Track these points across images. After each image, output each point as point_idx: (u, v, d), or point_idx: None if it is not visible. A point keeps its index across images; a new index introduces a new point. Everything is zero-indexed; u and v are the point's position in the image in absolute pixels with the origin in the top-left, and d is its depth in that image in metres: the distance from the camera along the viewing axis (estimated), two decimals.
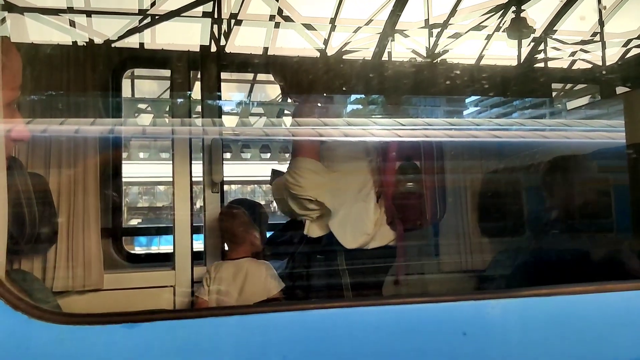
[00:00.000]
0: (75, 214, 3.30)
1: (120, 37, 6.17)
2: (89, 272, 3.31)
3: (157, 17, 6.71)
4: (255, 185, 17.06)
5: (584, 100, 6.88)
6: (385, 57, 7.52)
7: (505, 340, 1.43)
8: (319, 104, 3.97)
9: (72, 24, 6.41)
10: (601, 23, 7.24)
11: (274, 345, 1.30)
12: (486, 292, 1.92)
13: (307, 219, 3.15)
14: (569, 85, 7.57)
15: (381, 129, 4.61)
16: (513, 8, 6.43)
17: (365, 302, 1.44)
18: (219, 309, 2.24)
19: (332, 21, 7.65)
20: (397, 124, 4.63)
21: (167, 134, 4.12)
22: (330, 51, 7.81)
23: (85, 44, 4.48)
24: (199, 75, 3.90)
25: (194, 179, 3.60)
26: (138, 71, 9.80)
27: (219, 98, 3.70)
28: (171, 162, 3.51)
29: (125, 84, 10.19)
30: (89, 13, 6.31)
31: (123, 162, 4.15)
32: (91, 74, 3.52)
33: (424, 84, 5.12)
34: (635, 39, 7.43)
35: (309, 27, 7.66)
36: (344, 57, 7.68)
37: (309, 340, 1.31)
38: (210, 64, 3.62)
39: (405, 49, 7.59)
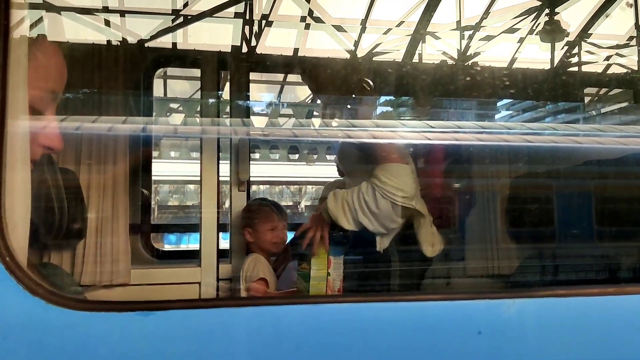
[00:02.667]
0: (105, 210, 3.37)
1: (153, 37, 6.28)
2: (116, 267, 3.38)
3: (189, 17, 6.81)
4: (284, 186, 17.16)
5: (618, 105, 6.75)
6: (416, 59, 7.50)
7: (520, 341, 1.43)
8: (349, 106, 3.98)
9: (107, 23, 6.54)
10: (638, 27, 7.09)
11: (287, 337, 1.31)
12: (502, 291, 1.90)
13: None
14: (603, 90, 7.44)
15: (411, 131, 4.60)
16: (546, 11, 6.35)
17: (379, 297, 1.44)
18: (232, 299, 2.25)
19: (363, 22, 7.64)
20: (427, 127, 4.61)
21: (195, 133, 4.17)
22: (361, 53, 7.81)
23: (117, 44, 4.56)
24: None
25: (221, 178, 3.65)
26: (171, 71, 9.93)
27: (248, 98, 3.74)
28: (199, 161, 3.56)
29: (158, 83, 10.37)
30: (122, 13, 6.42)
31: (154, 160, 4.22)
32: (122, 73, 3.59)
33: (455, 86, 5.09)
34: None
35: (339, 28, 7.68)
36: (374, 58, 7.66)
37: (322, 333, 1.32)
38: (239, 65, 3.67)
39: (436, 51, 7.55)
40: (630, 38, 7.36)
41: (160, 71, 9.05)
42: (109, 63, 3.58)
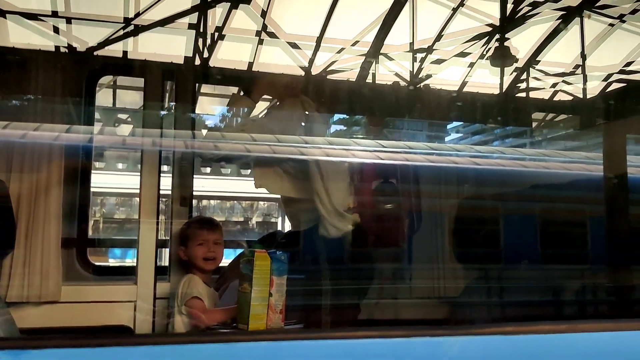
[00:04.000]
0: (35, 222, 3.20)
1: (101, 45, 6.11)
2: (45, 282, 3.19)
3: (140, 26, 6.67)
4: (235, 202, 16.94)
5: (564, 131, 6.92)
6: (369, 79, 7.53)
7: None
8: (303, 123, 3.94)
9: (56, 30, 6.35)
10: (583, 56, 7.31)
11: None
12: (443, 328, 1.64)
13: None
14: (549, 116, 7.63)
15: (363, 150, 4.59)
16: (497, 36, 6.47)
17: (304, 335, 1.31)
18: (125, 337, 2.01)
19: (318, 40, 7.63)
20: (379, 146, 4.61)
21: (137, 145, 4.04)
22: (315, 70, 7.80)
23: (60, 50, 4.40)
24: None
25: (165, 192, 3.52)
26: (121, 81, 9.69)
27: (193, 110, 3.63)
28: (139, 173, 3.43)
29: (107, 93, 10.09)
30: (69, 19, 6.24)
31: (97, 171, 4.06)
32: (62, 80, 3.44)
33: (407, 107, 5.11)
34: (616, 73, 7.52)
35: (293, 45, 7.65)
36: (328, 77, 7.66)
37: None
38: (184, 76, 3.56)
39: (388, 72, 7.60)
40: (577, 66, 7.58)
41: (109, 80, 8.85)
42: (48, 69, 3.43)
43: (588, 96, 7.33)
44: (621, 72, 7.61)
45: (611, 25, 7.34)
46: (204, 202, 15.20)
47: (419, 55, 7.52)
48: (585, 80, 7.35)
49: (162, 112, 3.57)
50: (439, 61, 7.67)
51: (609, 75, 7.71)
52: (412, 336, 1.31)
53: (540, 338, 1.33)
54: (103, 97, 9.55)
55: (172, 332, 3.16)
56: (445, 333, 1.31)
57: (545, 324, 1.35)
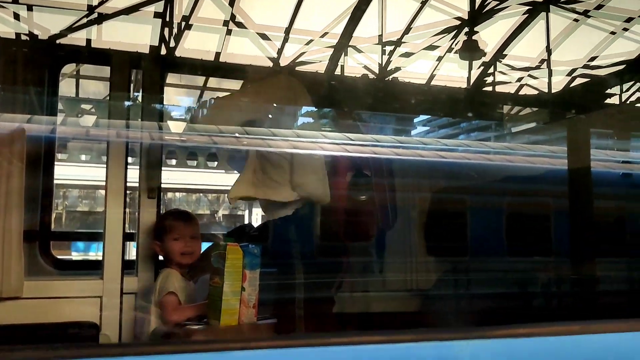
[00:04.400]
0: None
1: (64, 33, 5.94)
2: (7, 277, 3.07)
3: (105, 14, 6.51)
4: (201, 194, 16.76)
5: (530, 124, 7.01)
6: (337, 72, 7.50)
7: None
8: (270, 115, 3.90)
9: (17, 16, 6.14)
10: (549, 50, 7.42)
11: None
12: (454, 331, 1.46)
13: None
14: (514, 110, 7.72)
15: (330, 143, 4.56)
16: (466, 30, 6.51)
17: (300, 341, 1.22)
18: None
19: (287, 31, 7.56)
20: (347, 139, 4.59)
21: (103, 136, 3.93)
22: (284, 61, 7.73)
23: (15, 37, 4.25)
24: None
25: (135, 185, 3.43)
26: (85, 71, 9.44)
27: (161, 101, 3.54)
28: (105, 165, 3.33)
29: (70, 82, 9.84)
30: (30, 6, 6.04)
31: (60, 163, 3.94)
32: (22, 69, 3.31)
33: (375, 100, 5.09)
34: (580, 68, 7.65)
35: (262, 36, 7.56)
36: (297, 68, 7.60)
37: None
38: (151, 65, 3.47)
39: (357, 64, 7.58)
40: (542, 61, 7.69)
41: (72, 70, 8.61)
42: (8, 57, 3.30)
43: (553, 90, 7.44)
44: (585, 66, 7.74)
45: (576, 20, 7.46)
46: (169, 194, 14.99)
47: (388, 48, 7.52)
48: (550, 75, 7.46)
49: (129, 102, 3.47)
50: (407, 54, 7.68)
51: (573, 70, 7.84)
52: (421, 340, 1.22)
53: (553, 340, 1.25)
54: (67, 87, 9.32)
55: (142, 328, 3.10)
56: (456, 337, 1.24)
57: (558, 326, 1.28)
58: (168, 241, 3.19)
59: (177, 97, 9.83)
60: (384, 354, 1.16)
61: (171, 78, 8.76)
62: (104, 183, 3.25)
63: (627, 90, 7.01)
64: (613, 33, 7.55)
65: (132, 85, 3.58)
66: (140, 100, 3.50)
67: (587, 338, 1.29)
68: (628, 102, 6.95)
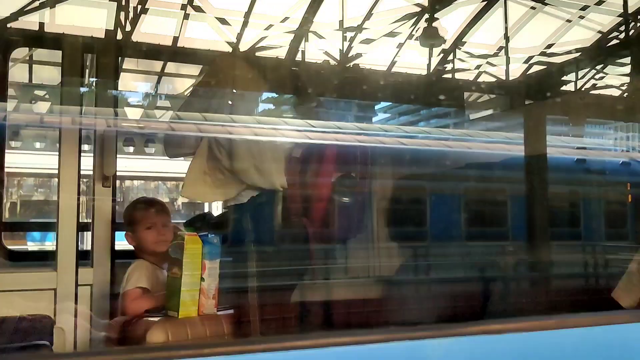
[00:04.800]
0: None
1: (15, 15, 5.72)
2: None
3: None
4: (159, 182, 16.50)
5: (488, 112, 7.10)
6: (298, 58, 7.44)
7: None
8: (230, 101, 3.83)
9: None
10: (506, 38, 7.51)
11: None
12: (426, 329, 1.36)
13: None
14: (473, 97, 7.81)
15: (292, 130, 4.52)
16: (426, 16, 6.53)
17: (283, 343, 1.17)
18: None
19: (246, 15, 7.45)
20: (309, 126, 4.55)
21: (55, 123, 3.80)
22: (243, 47, 7.62)
23: None
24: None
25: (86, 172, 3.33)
26: (38, 56, 9.14)
27: (115, 87, 3.44)
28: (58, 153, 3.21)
29: (22, 68, 9.51)
30: None
31: (14, 151, 3.80)
32: None
33: (336, 87, 5.07)
34: (537, 55, 7.77)
35: (222, 20, 7.43)
36: (257, 54, 7.50)
37: None
38: (104, 50, 3.36)
39: (318, 50, 7.54)
40: (500, 48, 7.78)
41: (25, 55, 8.32)
42: None
43: (510, 78, 7.55)
44: (542, 54, 7.86)
45: (533, 8, 7.56)
46: (127, 182, 14.72)
47: (349, 34, 7.49)
48: (508, 62, 7.55)
49: (82, 88, 3.35)
50: (368, 40, 7.67)
51: (530, 58, 7.96)
52: (392, 340, 1.18)
53: (528, 336, 1.22)
54: (19, 73, 9.01)
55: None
56: (428, 335, 1.19)
57: (534, 321, 1.26)
58: (140, 231, 3.11)
59: (135, 83, 9.62)
60: (352, 355, 1.12)
61: (128, 64, 8.54)
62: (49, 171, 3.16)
63: (583, 77, 7.15)
64: (569, 21, 7.68)
65: (85, 70, 3.47)
66: (94, 86, 3.39)
67: (564, 332, 1.28)
68: (583, 89, 7.10)
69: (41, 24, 6.31)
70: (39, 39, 4.18)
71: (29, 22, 6.07)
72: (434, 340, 1.17)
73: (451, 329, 1.23)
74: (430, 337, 1.17)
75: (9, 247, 3.96)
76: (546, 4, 7.41)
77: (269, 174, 3.43)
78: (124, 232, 3.19)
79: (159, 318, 2.71)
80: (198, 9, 7.19)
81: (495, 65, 7.84)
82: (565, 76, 6.63)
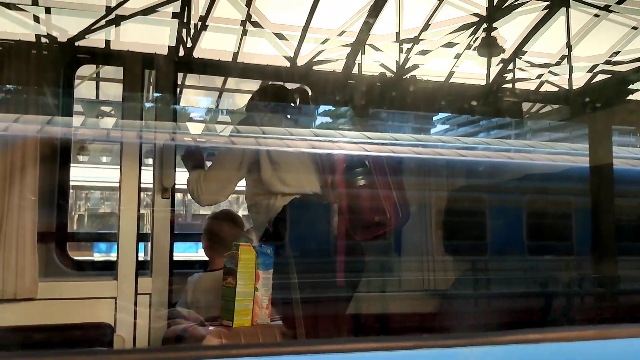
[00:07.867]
0: (9, 217, 3.08)
1: (81, 34, 5.97)
2: (22, 279, 3.08)
3: (122, 16, 6.53)
4: None
5: (551, 122, 6.90)
6: (355, 70, 7.44)
7: None
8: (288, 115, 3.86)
9: (37, 19, 6.20)
10: (569, 47, 7.29)
11: None
12: (456, 337, 1.31)
13: None
14: (535, 107, 7.61)
15: (348, 142, 4.52)
16: (484, 26, 6.42)
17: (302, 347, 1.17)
18: None
19: (303, 30, 7.52)
20: (365, 137, 4.54)
21: (116, 137, 3.93)
22: (301, 61, 7.69)
23: (33, 40, 4.27)
24: None
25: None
26: (105, 73, 9.52)
27: (175, 102, 3.53)
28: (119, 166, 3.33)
29: (90, 85, 9.92)
30: (48, 9, 6.09)
31: (81, 165, 3.96)
32: (37, 70, 3.32)
33: (393, 99, 5.05)
34: (602, 63, 7.51)
35: (279, 35, 7.53)
36: (314, 67, 7.56)
37: None
38: (164, 66, 3.46)
39: (374, 62, 7.52)
40: (563, 57, 7.56)
41: (91, 72, 8.68)
42: (20, 59, 3.30)
43: (574, 87, 7.31)
44: (607, 62, 7.59)
45: (597, 16, 7.32)
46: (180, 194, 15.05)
47: (406, 46, 7.44)
48: (571, 71, 7.33)
49: (142, 104, 3.46)
50: (425, 51, 7.60)
51: (595, 66, 7.70)
52: (421, 347, 1.15)
53: (566, 347, 1.16)
54: (86, 90, 9.39)
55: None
56: (459, 343, 1.15)
57: (572, 331, 1.20)
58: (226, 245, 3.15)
59: (196, 98, 9.86)
60: None
61: (190, 80, 8.79)
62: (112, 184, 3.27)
63: None
64: (635, 28, 7.40)
65: (147, 86, 3.58)
66: (154, 101, 3.49)
67: (603, 344, 1.21)
68: None
69: (107, 42, 6.57)
70: (103, 56, 4.35)
71: (96, 39, 6.33)
72: (465, 349, 1.13)
73: (484, 337, 1.19)
74: (462, 345, 1.13)
75: (75, 257, 4.10)
76: (610, 12, 7.16)
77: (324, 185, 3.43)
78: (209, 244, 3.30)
79: (213, 327, 2.76)
80: (256, 24, 7.31)
81: (557, 75, 7.62)
82: (632, 84, 6.38)
